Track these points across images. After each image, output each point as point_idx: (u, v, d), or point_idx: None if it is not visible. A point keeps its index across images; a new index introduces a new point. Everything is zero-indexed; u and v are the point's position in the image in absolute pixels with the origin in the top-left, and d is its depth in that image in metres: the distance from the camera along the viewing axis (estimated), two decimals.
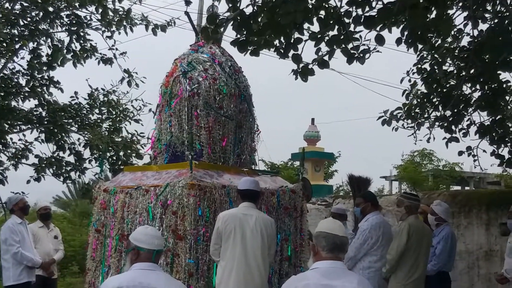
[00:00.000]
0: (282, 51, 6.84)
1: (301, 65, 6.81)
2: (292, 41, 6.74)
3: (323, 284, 3.98)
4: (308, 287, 3.99)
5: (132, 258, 4.72)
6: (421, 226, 7.80)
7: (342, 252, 4.20)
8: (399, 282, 7.57)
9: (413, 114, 9.90)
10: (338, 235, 4.19)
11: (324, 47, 6.89)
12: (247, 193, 7.10)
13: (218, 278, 6.92)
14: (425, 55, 9.33)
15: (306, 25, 6.56)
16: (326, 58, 6.92)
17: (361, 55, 6.93)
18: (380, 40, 6.48)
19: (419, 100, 9.87)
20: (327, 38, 6.74)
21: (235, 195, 7.47)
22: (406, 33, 7.62)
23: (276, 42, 6.80)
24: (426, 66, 9.39)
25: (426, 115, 9.88)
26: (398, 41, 8.02)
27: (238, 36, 6.51)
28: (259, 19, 6.35)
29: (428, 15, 7.02)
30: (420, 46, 8.58)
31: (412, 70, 9.60)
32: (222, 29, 7.68)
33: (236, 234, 6.84)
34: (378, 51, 7.08)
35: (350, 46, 6.86)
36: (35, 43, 12.10)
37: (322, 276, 4.02)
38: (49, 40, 12.25)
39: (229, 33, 8.74)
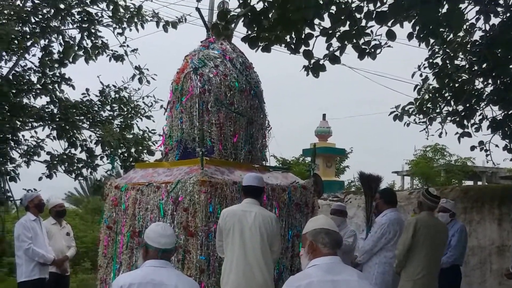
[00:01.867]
0: (293, 47, 6.83)
1: (312, 61, 6.79)
2: (303, 36, 6.73)
3: (326, 280, 3.96)
4: (313, 285, 3.94)
5: (143, 255, 4.76)
6: (433, 221, 7.76)
7: (339, 248, 4.21)
8: (409, 277, 7.53)
9: (424, 109, 9.87)
10: (337, 231, 4.21)
11: (335, 43, 6.88)
12: (249, 189, 7.05)
13: (222, 275, 6.91)
14: (436, 50, 9.30)
15: (317, 21, 6.55)
16: (337, 53, 6.91)
17: (373, 50, 6.91)
18: (391, 35, 6.47)
19: (430, 95, 9.83)
20: (338, 33, 6.73)
21: (241, 192, 7.45)
22: (417, 27, 7.60)
23: (287, 38, 6.79)
24: (438, 60, 9.35)
25: (438, 110, 9.85)
26: (410, 36, 8.00)
27: (249, 32, 6.51)
28: (270, 15, 6.33)
29: (440, 10, 7.00)
30: (431, 41, 8.53)
31: (424, 64, 9.56)
32: (233, 26, 7.66)
33: (235, 231, 6.79)
34: (389, 46, 7.06)
35: (361, 41, 6.84)
36: (47, 40, 12.14)
37: (325, 272, 3.99)
38: (60, 37, 12.30)
39: (240, 29, 8.70)
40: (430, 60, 9.42)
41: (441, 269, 7.94)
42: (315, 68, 6.80)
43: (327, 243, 4.10)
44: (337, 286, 3.94)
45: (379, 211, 8.55)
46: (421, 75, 9.67)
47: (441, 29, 8.12)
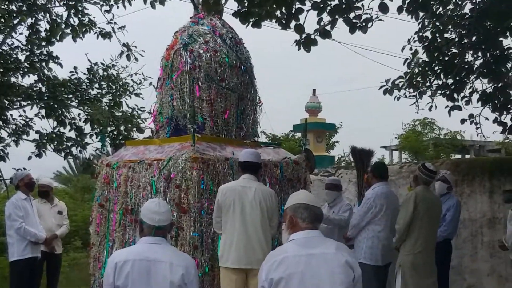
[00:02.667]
0: (284, 22, 6.80)
1: (303, 35, 6.76)
2: (293, 11, 6.69)
3: (302, 254, 4.00)
4: (287, 259, 3.99)
5: (139, 230, 4.79)
6: (429, 195, 7.81)
7: (320, 223, 4.24)
8: (408, 251, 7.61)
9: (414, 83, 9.85)
10: (317, 206, 4.24)
11: (326, 17, 6.85)
12: (247, 165, 7.10)
13: (220, 251, 6.95)
14: (426, 23, 9.25)
15: None
16: (328, 28, 6.88)
17: (363, 24, 6.89)
18: (384, 8, 6.45)
19: (420, 68, 9.80)
20: (329, 8, 6.69)
21: (238, 168, 7.47)
22: (407, 1, 7.57)
23: (278, 13, 6.75)
24: (428, 34, 9.31)
25: (428, 84, 9.83)
26: (400, 9, 7.99)
27: (240, 7, 6.46)
28: None
29: None
30: (421, 14, 8.52)
31: (414, 38, 9.52)
32: (223, 1, 7.61)
33: (236, 207, 6.85)
34: (380, 19, 7.03)
35: (352, 15, 6.81)
36: (34, 18, 12.01)
37: (300, 247, 4.04)
38: (47, 15, 12.16)
39: (230, 5, 8.66)
40: (420, 34, 9.38)
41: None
42: (306, 43, 6.78)
43: (306, 217, 4.14)
44: (312, 260, 3.98)
45: (369, 185, 8.59)
46: (411, 49, 9.63)
47: (431, 2, 8.11)
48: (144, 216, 4.74)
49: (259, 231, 6.85)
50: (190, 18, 8.86)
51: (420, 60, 9.78)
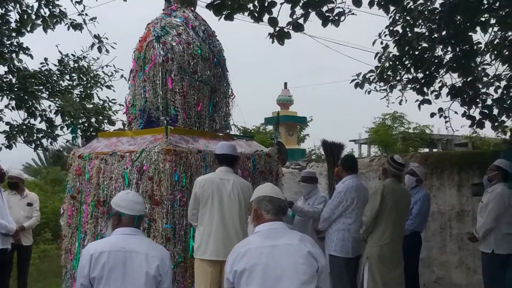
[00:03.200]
0: (256, 15, 6.83)
1: (277, 28, 6.80)
2: (266, 4, 6.72)
3: (265, 245, 4.06)
4: (250, 252, 4.05)
5: (113, 223, 4.74)
6: (398, 188, 7.89)
7: (284, 215, 4.31)
8: (375, 243, 7.67)
9: (385, 76, 9.94)
10: (281, 198, 4.32)
11: (299, 10, 6.89)
12: (224, 158, 7.14)
13: (197, 243, 6.95)
14: (397, 17, 9.35)
15: None
16: (301, 21, 6.92)
17: (336, 18, 6.94)
18: (357, 2, 6.50)
19: (391, 62, 9.90)
20: (302, 1, 6.74)
21: (211, 160, 7.51)
22: None
23: (250, 6, 6.78)
24: (398, 28, 9.41)
25: (398, 78, 9.93)
26: (371, 3, 8.05)
27: None
28: None
29: None
30: (392, 8, 8.60)
31: (384, 32, 9.61)
32: None
33: (214, 199, 6.88)
34: (353, 13, 7.10)
35: (325, 9, 6.86)
36: (3, 8, 11.87)
37: (264, 238, 4.10)
38: (17, 5, 12.03)
39: None
40: (391, 28, 9.47)
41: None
42: (280, 36, 6.82)
43: (270, 209, 4.21)
44: (275, 251, 4.04)
45: (339, 178, 8.65)
46: (381, 43, 9.73)
47: None
48: (122, 208, 4.70)
49: (236, 223, 6.89)
50: (163, 10, 8.85)
51: (391, 54, 9.88)
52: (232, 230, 6.87)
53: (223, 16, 6.70)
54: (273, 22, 6.68)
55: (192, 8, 8.77)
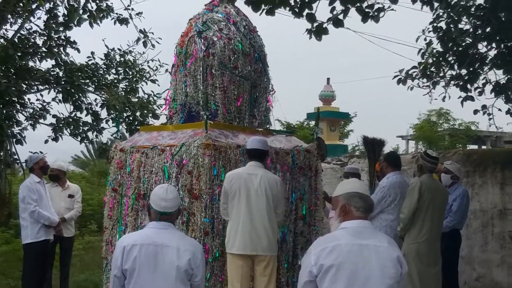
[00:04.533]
0: (297, 10, 6.84)
1: (315, 24, 6.80)
2: (306, 0, 6.73)
3: (354, 244, 3.97)
4: (339, 247, 3.95)
5: (148, 215, 4.86)
6: (434, 184, 7.83)
7: (370, 213, 4.22)
8: (413, 240, 7.64)
9: (428, 73, 9.88)
10: (369, 196, 4.23)
11: (339, 6, 6.89)
12: (254, 152, 7.15)
13: (227, 237, 7.01)
14: (441, 13, 9.27)
15: None
16: (340, 17, 6.91)
17: (376, 13, 6.93)
18: None
19: (434, 59, 9.83)
20: None
21: (245, 155, 7.52)
22: None
23: (291, 0, 6.80)
24: (442, 24, 9.34)
25: (441, 74, 9.85)
26: (414, 0, 7.98)
27: None
28: None
29: None
30: (436, 4, 8.52)
31: (428, 28, 9.55)
32: None
33: (241, 194, 6.91)
34: (392, 9, 7.07)
35: (364, 4, 6.85)
36: (52, 3, 12.12)
37: (352, 236, 4.01)
38: (65, 0, 12.26)
39: None
40: (434, 24, 9.40)
41: (442, 233, 8.02)
42: (317, 32, 6.82)
43: (361, 207, 4.12)
44: (365, 251, 3.96)
45: (383, 174, 8.62)
46: (425, 39, 9.66)
47: None
48: (152, 201, 4.82)
49: (264, 218, 6.91)
50: (205, 5, 8.89)
51: (434, 51, 9.80)
52: (259, 224, 6.89)
53: (264, 11, 6.73)
54: (311, 18, 6.69)
55: (233, 4, 8.78)
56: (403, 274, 4.07)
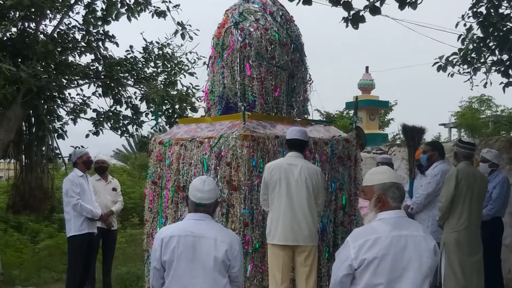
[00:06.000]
0: None
1: (352, 12, 6.74)
2: None
3: (393, 235, 3.94)
4: (380, 240, 3.92)
5: (186, 205, 4.92)
6: (472, 172, 7.72)
7: (402, 202, 4.15)
8: (452, 229, 7.55)
9: (469, 59, 9.76)
10: (401, 184, 4.17)
11: None
12: (294, 143, 7.12)
13: (268, 228, 7.01)
14: None
15: None
16: (377, 4, 6.84)
17: (413, 0, 6.83)
18: None
19: (475, 44, 9.70)
20: None
21: (285, 145, 7.49)
22: None
23: None
24: (482, 9, 9.20)
25: (482, 60, 9.72)
26: None
27: None
28: None
29: None
30: None
31: (468, 14, 9.42)
32: None
33: (281, 184, 6.89)
34: None
35: None
36: None
37: (392, 227, 3.97)
38: None
39: None
40: (474, 9, 9.26)
41: (482, 221, 7.91)
42: (354, 20, 6.77)
43: (397, 197, 4.06)
44: (403, 241, 3.94)
45: (430, 163, 8.52)
46: (465, 25, 9.54)
47: None
48: (189, 193, 4.85)
49: (305, 209, 6.89)
50: None
51: (475, 36, 9.67)
52: (300, 215, 6.87)
53: (301, 0, 6.69)
54: (347, 6, 6.63)
55: None
56: (436, 263, 4.05)
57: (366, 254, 3.90)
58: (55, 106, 12.74)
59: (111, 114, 12.82)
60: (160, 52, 13.41)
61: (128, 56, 13.10)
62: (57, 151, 13.03)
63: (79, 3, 12.03)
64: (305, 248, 6.88)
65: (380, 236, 3.93)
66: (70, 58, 12.57)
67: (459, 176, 7.51)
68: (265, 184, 6.98)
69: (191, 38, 13.30)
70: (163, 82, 13.42)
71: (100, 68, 12.67)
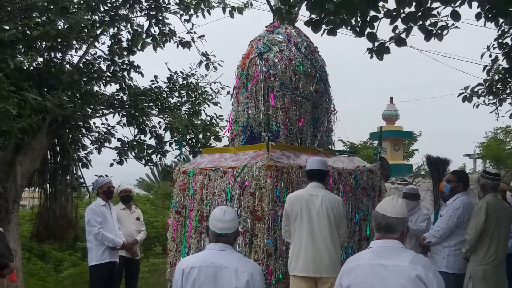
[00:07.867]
0: (358, 29, 6.77)
1: (376, 43, 6.73)
2: (368, 19, 6.67)
3: (373, 264, 4.00)
4: (358, 268, 4.04)
5: (207, 236, 4.92)
6: (500, 204, 7.63)
7: (390, 233, 4.12)
8: (479, 262, 7.44)
9: (494, 90, 9.71)
10: (386, 215, 4.14)
11: (400, 25, 6.80)
12: (314, 173, 7.08)
13: (289, 259, 6.97)
14: (506, 29, 9.08)
15: (381, 3, 6.47)
16: (403, 35, 6.82)
17: (439, 31, 6.80)
18: (455, 16, 6.34)
19: (500, 75, 9.64)
20: (403, 15, 6.64)
21: (305, 176, 7.47)
22: (486, 7, 7.44)
23: (353, 20, 6.73)
24: (508, 40, 9.14)
25: (508, 91, 9.65)
26: (478, 16, 7.83)
27: (312, 16, 6.48)
28: None
29: None
30: (501, 20, 8.35)
31: (493, 45, 9.37)
32: (296, 9, 7.63)
33: (303, 215, 6.86)
34: (456, 27, 6.93)
35: (427, 23, 6.74)
36: (115, 28, 12.30)
37: (374, 256, 4.05)
38: (128, 25, 12.44)
39: (306, 13, 8.67)
40: (500, 40, 9.21)
41: (508, 253, 7.79)
42: (379, 51, 6.74)
43: (374, 227, 4.19)
44: (383, 271, 3.97)
45: (453, 194, 8.40)
46: (490, 56, 9.49)
47: (510, 8, 7.93)
48: (210, 223, 4.86)
49: (327, 239, 6.84)
50: (266, 27, 8.94)
51: (500, 67, 9.61)
52: (322, 246, 6.81)
53: (326, 31, 6.68)
54: (372, 37, 6.61)
55: (293, 25, 8.78)
56: None
57: (343, 280, 4.07)
58: (80, 136, 12.82)
59: (135, 143, 12.86)
60: (185, 82, 13.48)
61: (153, 86, 13.17)
62: (81, 180, 13.11)
63: (105, 33, 12.14)
64: (327, 280, 6.81)
65: (359, 263, 4.05)
66: (95, 88, 12.66)
67: (489, 209, 7.41)
68: (286, 215, 6.96)
69: (215, 68, 13.37)
70: (187, 112, 13.46)
71: (125, 97, 12.74)
